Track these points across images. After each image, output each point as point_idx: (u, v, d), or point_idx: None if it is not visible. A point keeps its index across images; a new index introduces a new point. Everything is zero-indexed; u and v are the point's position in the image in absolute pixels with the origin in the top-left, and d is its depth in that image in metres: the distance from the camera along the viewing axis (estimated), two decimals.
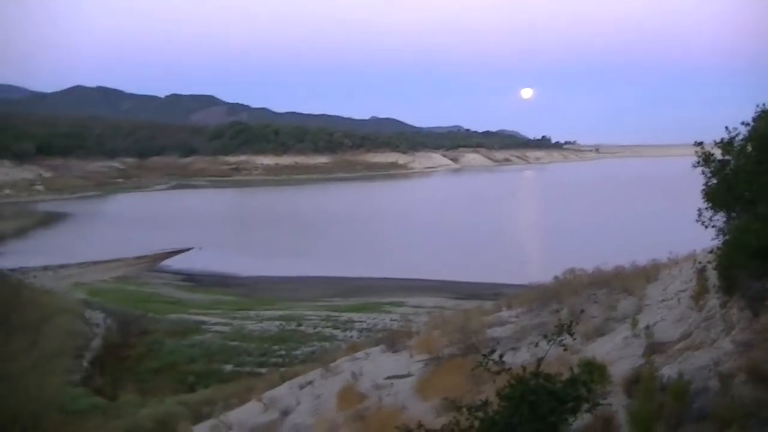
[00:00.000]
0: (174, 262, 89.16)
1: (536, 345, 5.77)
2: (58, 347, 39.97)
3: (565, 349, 7.40)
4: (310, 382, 23.37)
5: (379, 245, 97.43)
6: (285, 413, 20.90)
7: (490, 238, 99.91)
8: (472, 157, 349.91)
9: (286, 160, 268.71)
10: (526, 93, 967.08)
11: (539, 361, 5.83)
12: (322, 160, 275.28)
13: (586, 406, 6.43)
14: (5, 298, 45.47)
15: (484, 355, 5.72)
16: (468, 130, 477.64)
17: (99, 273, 79.81)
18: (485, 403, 5.68)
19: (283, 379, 27.25)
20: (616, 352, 13.86)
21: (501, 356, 5.75)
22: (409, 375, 18.75)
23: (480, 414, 5.66)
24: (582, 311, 17.47)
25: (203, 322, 53.05)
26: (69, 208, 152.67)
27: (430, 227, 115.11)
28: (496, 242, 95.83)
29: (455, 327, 20.37)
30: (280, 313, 56.89)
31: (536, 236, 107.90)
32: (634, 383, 10.45)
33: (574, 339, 7.84)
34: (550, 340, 6.63)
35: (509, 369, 5.67)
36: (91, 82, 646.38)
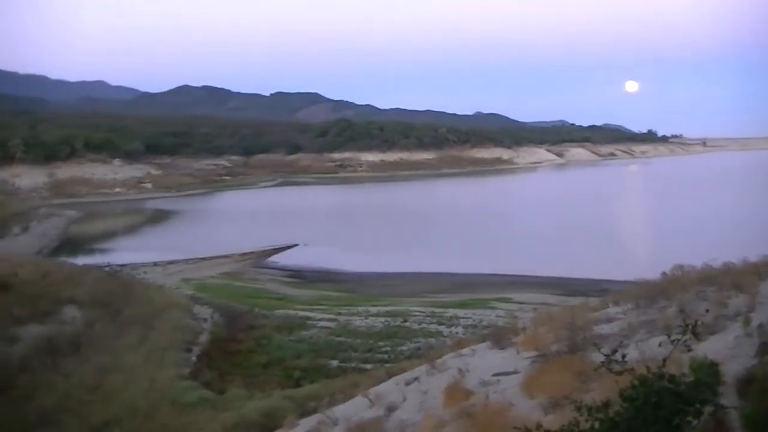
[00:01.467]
0: (280, 259, 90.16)
1: (659, 345, 5.50)
2: (168, 341, 40.83)
3: (689, 350, 7.10)
4: (416, 379, 23.23)
5: (485, 241, 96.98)
6: (390, 409, 20.80)
7: (595, 233, 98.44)
8: (576, 152, 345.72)
9: (391, 156, 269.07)
10: (631, 86, 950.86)
11: (664, 361, 5.56)
12: (426, 156, 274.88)
13: (709, 408, 6.16)
14: (117, 294, 46.68)
15: (606, 355, 5.48)
16: (572, 124, 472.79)
17: (206, 269, 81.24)
18: (606, 404, 5.45)
19: (389, 375, 27.21)
20: (728, 351, 13.34)
21: (624, 356, 5.50)
22: (515, 372, 18.44)
23: (600, 415, 5.43)
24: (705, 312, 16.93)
25: (309, 318, 53.43)
26: (176, 206, 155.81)
27: (535, 222, 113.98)
28: (602, 237, 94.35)
29: (562, 323, 20.00)
30: (386, 309, 56.96)
31: (643, 231, 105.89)
32: (747, 384, 10.02)
33: (699, 340, 7.53)
34: (674, 340, 6.35)
35: (632, 369, 5.42)
36: (197, 82, 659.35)
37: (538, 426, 5.51)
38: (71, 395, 31.26)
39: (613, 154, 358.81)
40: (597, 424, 5.42)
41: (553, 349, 18.50)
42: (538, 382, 14.86)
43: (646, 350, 5.64)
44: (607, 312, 22.05)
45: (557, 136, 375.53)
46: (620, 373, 5.44)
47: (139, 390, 32.35)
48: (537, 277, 68.85)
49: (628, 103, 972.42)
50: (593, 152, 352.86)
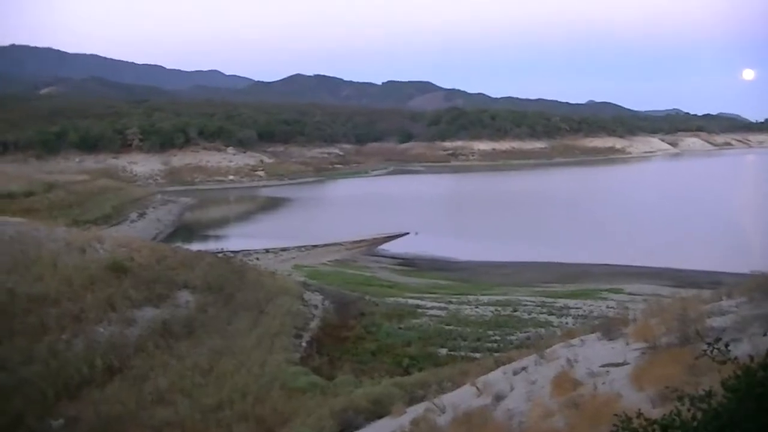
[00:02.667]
0: (391, 247, 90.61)
1: (765, 334, 5.27)
2: (279, 327, 41.35)
3: None
4: (524, 368, 23.00)
5: (598, 231, 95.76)
6: (498, 398, 20.65)
7: (710, 224, 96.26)
8: (691, 141, 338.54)
9: (503, 145, 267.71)
10: (748, 74, 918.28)
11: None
12: (539, 145, 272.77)
13: None
14: (230, 279, 47.52)
15: (709, 344, 5.27)
16: (687, 113, 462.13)
17: (318, 256, 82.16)
18: (709, 394, 5.24)
19: (498, 364, 27.02)
20: None
21: (726, 345, 5.27)
22: (625, 363, 18.06)
23: (703, 405, 5.22)
24: None
25: (419, 306, 53.50)
26: (289, 193, 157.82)
27: (649, 213, 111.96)
28: (717, 228, 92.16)
29: (673, 315, 19.48)
30: (496, 298, 56.69)
31: (760, 223, 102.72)
32: None
33: None
34: None
35: (735, 359, 5.20)
36: (309, 71, 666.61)
37: (639, 414, 5.33)
38: (185, 377, 31.94)
39: (728, 144, 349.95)
40: (699, 414, 5.22)
41: (664, 341, 18.07)
42: (647, 374, 14.50)
43: (759, 344, 5.38)
44: (721, 305, 21.40)
45: (671, 125, 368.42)
46: (723, 363, 5.21)
47: (250, 374, 32.85)
48: (649, 267, 67.68)
49: (744, 91, 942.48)
50: (708, 142, 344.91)
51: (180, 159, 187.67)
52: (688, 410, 5.28)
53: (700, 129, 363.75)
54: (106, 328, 34.84)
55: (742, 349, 5.45)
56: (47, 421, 27.40)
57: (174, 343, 36.05)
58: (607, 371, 18.23)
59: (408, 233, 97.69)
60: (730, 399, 5.15)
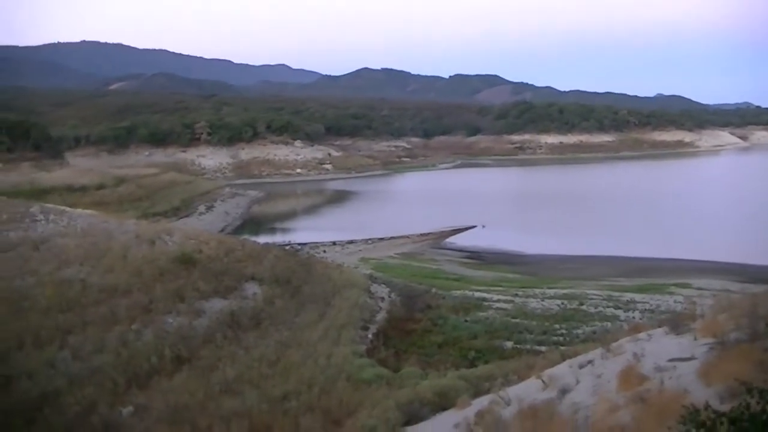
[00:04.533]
0: (458, 240, 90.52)
1: None
2: (346, 319, 41.57)
3: None
4: (590, 362, 22.85)
5: (667, 225, 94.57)
6: (564, 391, 20.55)
7: None
8: (762, 135, 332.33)
9: (571, 138, 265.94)
10: None
11: None
12: (606, 138, 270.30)
13: None
14: (297, 272, 47.91)
15: None
16: (758, 106, 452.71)
17: (385, 249, 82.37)
18: None
19: (563, 358, 26.88)
20: None
21: None
22: (692, 358, 17.84)
23: None
24: None
25: (485, 299, 53.40)
26: (356, 187, 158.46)
27: (719, 207, 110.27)
28: None
29: (742, 311, 19.18)
30: (563, 291, 56.33)
31: None
32: None
33: None
34: None
35: None
36: (377, 65, 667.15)
37: (707, 406, 5.31)
38: (252, 368, 32.29)
39: None
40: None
41: (733, 336, 17.83)
42: (715, 370, 14.31)
43: None
44: None
45: (741, 118, 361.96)
46: None
47: (317, 365, 33.08)
48: (718, 263, 66.71)
49: None
50: None
51: (248, 152, 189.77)
52: (757, 403, 5.24)
53: None
54: (174, 318, 35.38)
55: None
56: (118, 409, 27.94)
57: (241, 335, 36.46)
58: (675, 366, 18.03)
59: (475, 226, 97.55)
60: None
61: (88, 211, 53.16)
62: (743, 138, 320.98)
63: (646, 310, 48.81)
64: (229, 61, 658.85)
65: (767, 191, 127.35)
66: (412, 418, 25.65)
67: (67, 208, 51.02)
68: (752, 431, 4.97)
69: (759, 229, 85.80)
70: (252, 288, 42.39)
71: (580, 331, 44.23)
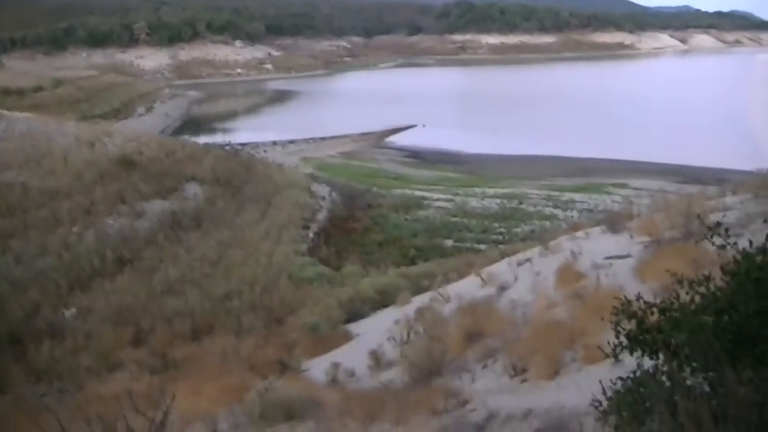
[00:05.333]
0: (399, 139, 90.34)
1: (765, 221, 5.34)
2: (287, 219, 41.66)
3: None
4: (528, 260, 23.29)
5: (604, 126, 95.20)
6: (503, 289, 20.97)
7: (717, 122, 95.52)
8: (701, 39, 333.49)
9: (512, 39, 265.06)
10: None
11: None
12: (547, 39, 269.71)
13: None
14: (238, 172, 47.71)
15: (709, 228, 5.36)
16: (698, 10, 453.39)
17: (325, 149, 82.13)
18: (707, 278, 5.36)
19: (503, 256, 27.32)
20: None
21: (727, 230, 5.38)
22: (628, 256, 18.25)
23: (701, 289, 5.35)
24: None
25: (426, 198, 53.76)
26: (297, 87, 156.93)
27: (655, 110, 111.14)
28: (724, 127, 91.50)
29: (678, 211, 19.59)
30: (503, 191, 56.86)
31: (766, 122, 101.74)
32: None
33: None
34: None
35: (735, 244, 5.31)
36: None
37: (639, 297, 5.48)
38: (194, 268, 32.40)
39: (739, 42, 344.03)
40: (697, 298, 5.35)
41: (668, 235, 18.23)
42: (650, 267, 14.63)
43: (762, 240, 5.46)
44: (725, 201, 21.49)
45: (681, 22, 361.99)
46: (722, 247, 5.32)
47: (258, 265, 33.28)
48: (655, 164, 67.54)
49: None
50: (718, 39, 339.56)
51: (188, 53, 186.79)
52: (687, 293, 5.39)
53: (710, 26, 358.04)
54: (116, 220, 35.22)
55: (743, 244, 5.52)
56: (61, 311, 27.96)
57: (183, 235, 36.45)
58: (611, 264, 18.44)
59: (415, 126, 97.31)
60: (729, 283, 5.26)
61: (27, 114, 52.09)
62: (683, 41, 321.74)
63: (584, 209, 49.59)
64: None
65: (703, 94, 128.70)
66: (353, 316, 26.01)
67: (5, 112, 49.90)
68: (682, 321, 5.14)
69: (696, 132, 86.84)
70: (193, 189, 42.20)
71: (519, 230, 44.86)
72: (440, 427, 9.63)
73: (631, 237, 20.52)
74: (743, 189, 22.52)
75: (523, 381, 13.07)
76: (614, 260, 18.59)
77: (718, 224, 5.47)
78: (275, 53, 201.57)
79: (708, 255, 7.85)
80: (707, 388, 4.57)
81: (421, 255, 39.89)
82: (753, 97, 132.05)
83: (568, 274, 18.93)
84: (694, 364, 4.77)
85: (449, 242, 42.86)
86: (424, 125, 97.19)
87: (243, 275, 31.77)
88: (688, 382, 4.53)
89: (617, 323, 5.31)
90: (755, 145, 75.45)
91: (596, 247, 20.87)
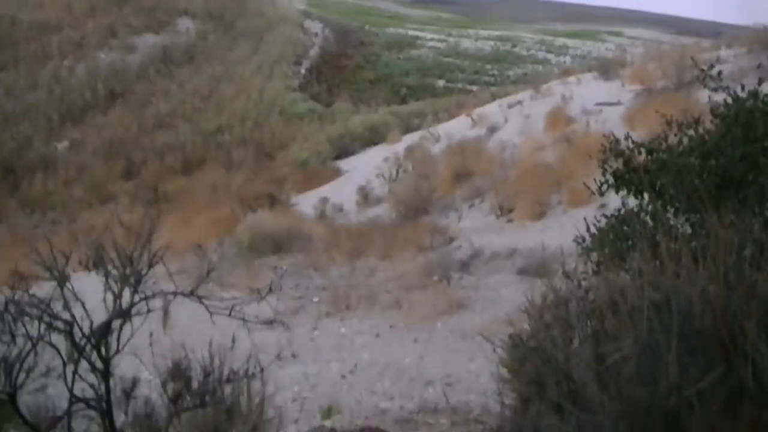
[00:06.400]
0: None
1: (759, 84, 5.30)
2: (279, 54, 41.20)
3: None
4: (519, 102, 23.29)
5: None
6: (492, 130, 21.06)
7: None
8: None
9: None
10: None
11: (760, 81, 5.43)
12: None
13: None
14: (230, 7, 46.87)
15: (703, 70, 5.35)
16: None
17: None
18: (696, 121, 5.38)
19: (494, 98, 27.27)
20: None
21: (719, 73, 5.37)
22: (618, 103, 18.30)
23: (690, 132, 5.38)
24: None
25: (419, 38, 53.06)
26: None
27: None
28: None
29: (671, 61, 19.50)
30: (496, 33, 56.13)
31: None
32: None
33: None
34: None
35: (727, 87, 5.30)
36: None
37: (627, 136, 5.50)
38: (185, 102, 32.30)
39: None
40: (685, 140, 5.38)
41: (660, 85, 18.21)
42: (640, 115, 14.66)
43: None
44: (719, 54, 21.32)
45: None
46: (714, 90, 5.32)
47: (249, 100, 33.15)
48: (651, 13, 66.69)
49: None
50: None
51: None
52: (675, 135, 5.40)
53: None
54: (107, 54, 34.88)
55: None
56: (53, 144, 28.04)
57: (174, 70, 36.16)
58: (601, 110, 18.50)
59: None
60: (718, 125, 5.28)
61: None
62: None
63: (577, 55, 49.13)
64: None
65: None
66: (343, 152, 26.14)
67: None
68: (668, 162, 5.17)
69: None
70: (185, 23, 41.53)
71: (511, 73, 44.56)
72: (426, 263, 9.80)
73: (623, 85, 20.51)
74: (738, 43, 22.35)
75: (509, 221, 13.28)
76: (604, 107, 18.65)
77: (712, 66, 5.45)
78: None
79: (699, 106, 7.85)
80: (689, 230, 4.66)
81: (412, 94, 39.74)
82: None
83: (558, 118, 18.99)
84: (678, 206, 4.84)
85: (441, 82, 42.62)
86: None
87: (234, 110, 31.71)
88: (671, 223, 4.61)
89: (604, 161, 5.36)
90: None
91: (587, 93, 20.85)
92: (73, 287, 2.81)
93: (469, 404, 5.37)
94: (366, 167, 21.90)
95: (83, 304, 2.79)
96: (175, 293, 2.96)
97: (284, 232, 11.96)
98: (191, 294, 2.95)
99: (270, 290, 3.37)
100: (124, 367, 2.98)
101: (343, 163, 24.61)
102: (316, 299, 8.85)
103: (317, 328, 7.77)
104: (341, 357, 6.71)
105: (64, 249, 2.83)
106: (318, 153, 25.74)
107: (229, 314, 3.07)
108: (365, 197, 18.36)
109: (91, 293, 2.82)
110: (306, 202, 19.29)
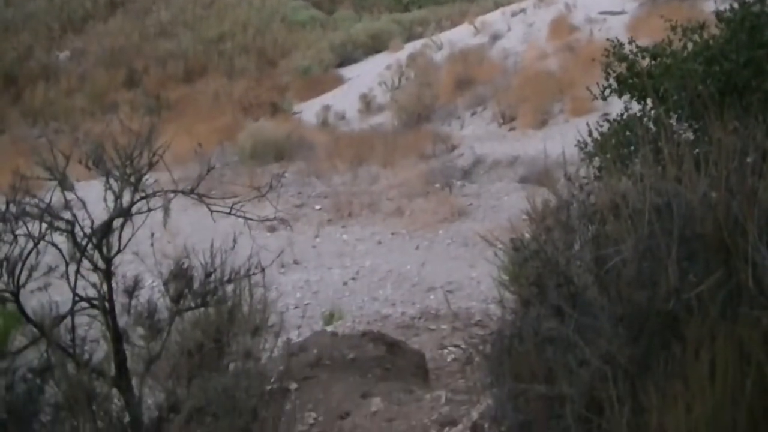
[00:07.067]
0: None
1: None
2: None
3: None
4: (523, 10, 23.01)
5: None
6: (495, 38, 20.87)
7: None
8: None
9: None
10: None
11: None
12: None
13: None
14: None
15: None
16: None
17: None
18: (702, 26, 5.31)
19: (497, 6, 26.94)
20: None
21: None
22: (623, 12, 18.13)
23: (695, 37, 5.31)
24: None
25: None
26: None
27: None
28: None
29: None
30: None
31: None
32: None
33: None
34: None
35: None
36: None
37: (631, 40, 5.43)
38: (186, 10, 31.86)
39: None
40: (690, 45, 5.32)
41: None
42: (644, 24, 14.47)
43: None
44: None
45: None
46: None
47: (251, 7, 32.69)
48: None
49: None
50: None
51: None
52: (680, 40, 5.34)
53: None
54: None
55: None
56: (55, 53, 27.87)
57: None
58: (605, 19, 18.34)
59: None
60: (723, 30, 5.21)
61: None
62: None
63: None
64: None
65: None
66: (345, 60, 25.98)
67: None
68: (672, 67, 5.12)
69: None
70: None
71: None
72: (428, 171, 9.83)
73: None
74: None
75: (511, 129, 13.28)
76: (608, 15, 18.48)
77: None
78: None
79: (704, 15, 7.76)
80: (692, 136, 4.65)
81: (415, 1, 39.18)
82: None
83: (561, 26, 18.83)
84: (681, 111, 4.82)
85: None
86: None
87: (236, 17, 31.30)
88: (674, 128, 4.59)
89: (608, 65, 5.32)
90: None
91: (591, 1, 20.58)
92: (75, 189, 2.82)
93: (470, 310, 5.43)
94: (368, 75, 21.78)
95: (84, 204, 2.80)
96: (175, 191, 2.97)
97: (286, 139, 11.97)
98: (191, 192, 2.96)
99: (270, 187, 3.37)
100: (125, 268, 3.00)
101: (346, 71, 24.46)
102: (318, 206, 8.90)
103: (319, 235, 7.83)
104: (343, 264, 6.78)
105: (65, 153, 2.84)
106: (320, 61, 25.55)
107: (230, 212, 3.08)
108: (367, 105, 18.30)
109: (93, 200, 2.84)
110: (308, 110, 19.25)
